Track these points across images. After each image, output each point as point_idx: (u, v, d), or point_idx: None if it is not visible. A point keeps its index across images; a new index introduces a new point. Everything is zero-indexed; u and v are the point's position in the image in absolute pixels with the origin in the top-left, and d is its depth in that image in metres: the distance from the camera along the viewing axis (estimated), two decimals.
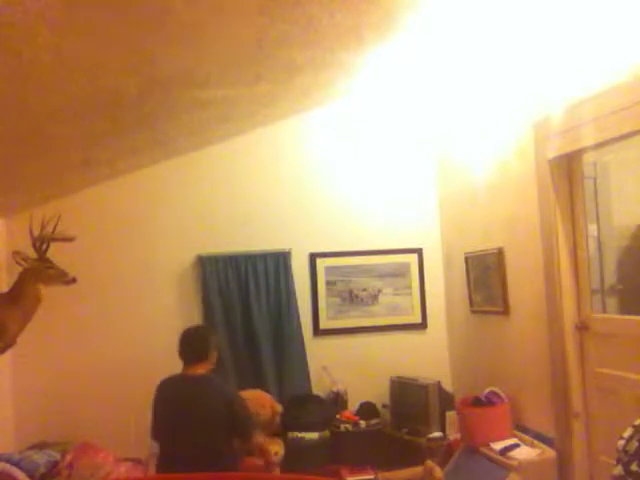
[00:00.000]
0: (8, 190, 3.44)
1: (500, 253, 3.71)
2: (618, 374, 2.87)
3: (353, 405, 4.23)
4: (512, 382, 3.64)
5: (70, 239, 3.37)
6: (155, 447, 3.08)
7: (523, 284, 3.53)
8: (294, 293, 4.32)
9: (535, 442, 3.32)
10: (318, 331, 4.43)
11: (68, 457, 3.55)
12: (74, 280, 3.32)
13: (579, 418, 3.14)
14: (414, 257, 4.57)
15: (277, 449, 3.75)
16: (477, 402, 3.57)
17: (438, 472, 3.33)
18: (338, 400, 4.20)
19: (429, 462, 3.40)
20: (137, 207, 4.25)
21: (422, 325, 4.56)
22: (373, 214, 4.51)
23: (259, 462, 3.30)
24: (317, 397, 4.23)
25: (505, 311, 3.70)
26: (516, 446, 3.29)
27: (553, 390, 3.26)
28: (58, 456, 3.53)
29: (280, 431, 3.96)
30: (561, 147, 3.07)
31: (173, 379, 3.12)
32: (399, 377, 4.26)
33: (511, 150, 3.55)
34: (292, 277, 4.33)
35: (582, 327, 3.13)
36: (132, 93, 2.62)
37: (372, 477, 3.68)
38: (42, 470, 3.36)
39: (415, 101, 4.61)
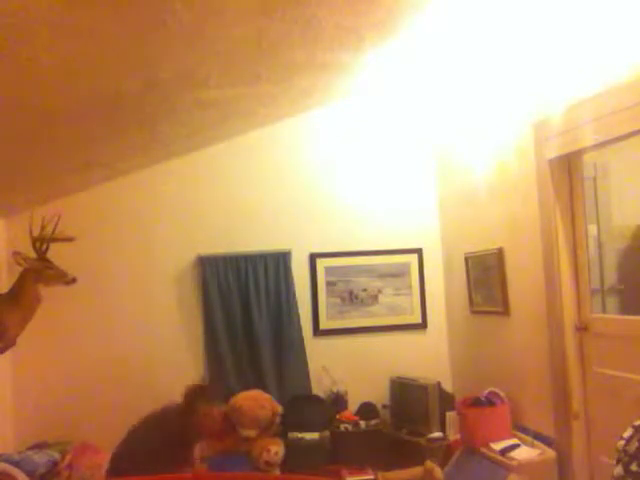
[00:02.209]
0: (8, 190, 3.44)
1: (500, 253, 3.71)
2: (618, 374, 2.87)
3: (353, 405, 4.23)
4: (512, 382, 3.64)
5: (70, 239, 3.37)
6: None
7: (523, 284, 3.53)
8: (294, 293, 4.32)
9: (535, 442, 3.32)
10: (318, 331, 4.43)
11: (68, 457, 3.55)
12: (74, 280, 3.32)
13: (579, 418, 3.14)
14: (414, 257, 4.57)
15: (277, 449, 3.75)
16: (477, 402, 3.57)
17: (438, 472, 3.33)
18: (338, 400, 4.20)
19: (429, 462, 3.40)
20: (137, 207, 4.25)
21: (422, 325, 4.56)
22: (373, 214, 4.51)
23: None
24: (317, 397, 4.22)
25: (505, 311, 3.70)
26: (516, 446, 3.29)
27: (553, 390, 3.26)
28: (58, 456, 3.53)
29: (280, 431, 3.97)
30: (561, 147, 3.07)
31: None
32: (399, 377, 4.26)
33: (511, 150, 3.55)
34: (292, 277, 4.33)
35: (582, 327, 3.13)
36: (132, 94, 2.62)
37: (372, 477, 3.68)
38: (42, 470, 3.35)
39: (415, 101, 4.62)
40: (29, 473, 3.24)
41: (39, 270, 3.21)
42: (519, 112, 3.43)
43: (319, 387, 4.31)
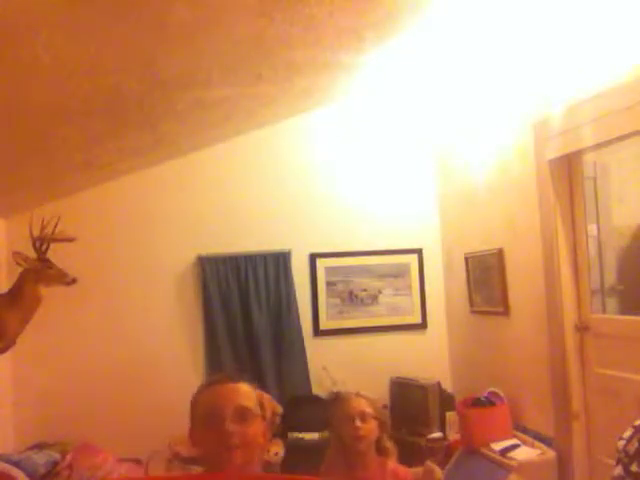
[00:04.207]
0: (8, 190, 3.44)
1: (500, 253, 3.71)
2: (618, 374, 2.87)
3: None
4: (512, 382, 3.64)
5: (70, 239, 3.37)
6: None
7: (523, 284, 3.53)
8: (294, 293, 4.32)
9: (535, 442, 3.32)
10: (318, 331, 4.43)
11: (68, 457, 3.55)
12: (74, 281, 3.32)
13: (579, 418, 3.14)
14: (414, 257, 4.57)
15: (277, 449, 3.75)
16: (477, 402, 3.57)
17: (438, 472, 3.33)
18: None
19: (429, 462, 3.40)
20: (137, 208, 4.25)
21: (422, 325, 4.56)
22: (373, 214, 4.51)
23: None
24: (317, 397, 4.22)
25: (505, 311, 3.70)
26: (516, 446, 3.29)
27: (553, 390, 3.26)
28: (58, 456, 3.53)
29: (280, 431, 3.96)
30: (561, 147, 3.07)
31: None
32: (399, 377, 4.26)
33: (511, 150, 3.55)
34: (292, 277, 4.32)
35: (582, 327, 3.13)
36: (132, 94, 2.62)
37: None
38: (42, 470, 3.35)
39: (415, 102, 4.61)
40: (29, 473, 3.24)
41: (39, 270, 3.20)
42: (519, 112, 3.43)
43: (319, 387, 4.31)
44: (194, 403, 1.57)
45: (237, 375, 1.64)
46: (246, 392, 1.55)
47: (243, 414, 1.48)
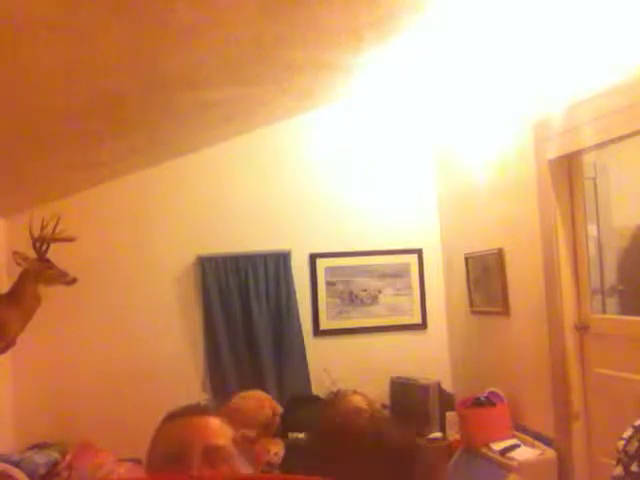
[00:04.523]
0: (8, 190, 3.44)
1: (500, 254, 3.71)
2: (618, 374, 2.87)
3: None
4: (512, 382, 3.64)
5: (70, 239, 3.37)
6: None
7: (523, 284, 3.53)
8: (294, 293, 4.31)
9: (535, 442, 3.32)
10: (318, 332, 4.43)
11: (68, 457, 3.55)
12: (74, 280, 3.32)
13: (579, 418, 3.14)
14: (414, 257, 4.57)
15: (277, 449, 3.75)
16: (477, 402, 3.57)
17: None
18: None
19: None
20: (137, 208, 4.25)
21: (422, 325, 4.56)
22: (373, 214, 4.51)
23: None
24: (317, 397, 4.22)
25: (505, 311, 3.70)
26: (516, 446, 3.29)
27: (553, 390, 3.26)
28: (58, 456, 3.53)
29: (280, 431, 3.96)
30: (561, 148, 3.07)
31: None
32: (399, 377, 4.26)
33: (511, 151, 3.55)
34: (292, 277, 4.32)
35: (582, 327, 3.14)
36: (133, 94, 2.62)
37: None
38: (42, 470, 3.35)
39: (415, 102, 4.61)
40: (29, 473, 3.24)
41: (39, 270, 3.20)
42: (519, 112, 3.43)
43: (319, 387, 4.30)
44: (153, 442, 1.25)
45: (207, 407, 1.36)
46: (218, 427, 1.24)
47: (215, 455, 1.18)
